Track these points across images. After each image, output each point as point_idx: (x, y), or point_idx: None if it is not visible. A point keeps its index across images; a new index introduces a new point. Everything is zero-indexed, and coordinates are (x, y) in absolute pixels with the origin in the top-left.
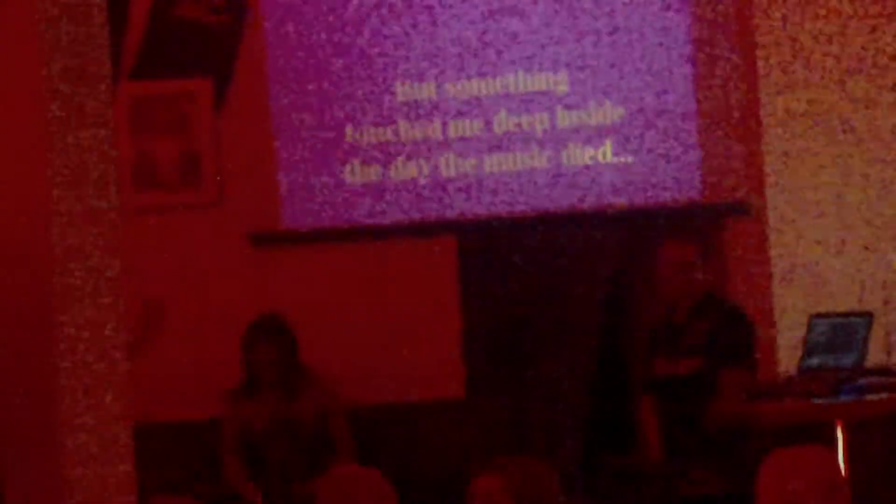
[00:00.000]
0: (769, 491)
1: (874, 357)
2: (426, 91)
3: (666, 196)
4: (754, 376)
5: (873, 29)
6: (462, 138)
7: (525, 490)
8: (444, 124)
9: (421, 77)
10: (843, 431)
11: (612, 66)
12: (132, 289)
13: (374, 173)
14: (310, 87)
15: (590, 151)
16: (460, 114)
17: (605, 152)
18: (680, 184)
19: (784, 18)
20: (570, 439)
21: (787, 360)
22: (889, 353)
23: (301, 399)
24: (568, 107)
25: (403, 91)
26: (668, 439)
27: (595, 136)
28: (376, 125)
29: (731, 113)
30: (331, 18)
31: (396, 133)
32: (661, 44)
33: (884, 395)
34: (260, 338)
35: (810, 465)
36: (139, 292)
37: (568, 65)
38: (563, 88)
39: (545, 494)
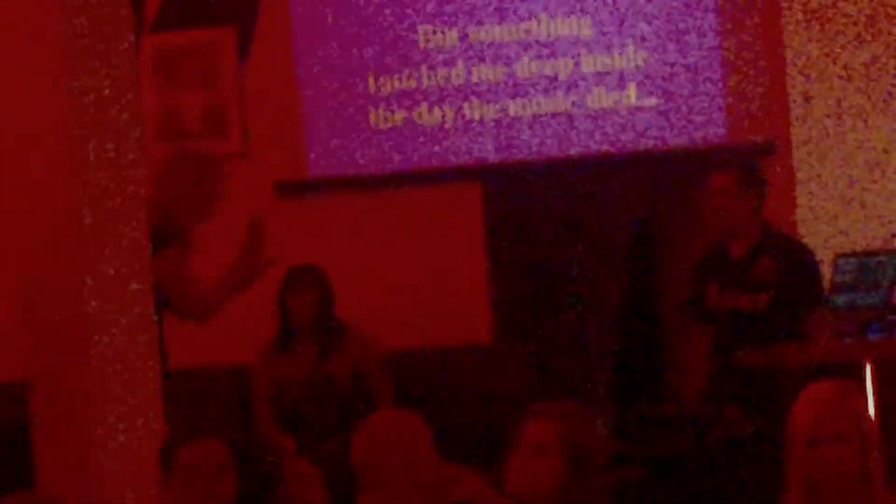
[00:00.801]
0: (800, 426)
1: None
2: (449, 37)
3: (690, 138)
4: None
5: None
6: (486, 83)
7: (575, 436)
8: (468, 70)
9: (444, 22)
10: (871, 370)
11: (636, 9)
12: None
13: (398, 119)
14: (333, 34)
15: (614, 95)
16: (483, 59)
17: (629, 96)
18: (704, 125)
19: None
20: (598, 385)
21: None
22: None
23: (337, 355)
24: (592, 51)
25: (426, 37)
26: (712, 374)
27: (619, 79)
28: (400, 71)
29: (754, 53)
30: None
31: (420, 79)
32: None
33: None
34: (298, 288)
35: (839, 399)
36: None
37: (591, 9)
38: (587, 33)
39: (592, 440)
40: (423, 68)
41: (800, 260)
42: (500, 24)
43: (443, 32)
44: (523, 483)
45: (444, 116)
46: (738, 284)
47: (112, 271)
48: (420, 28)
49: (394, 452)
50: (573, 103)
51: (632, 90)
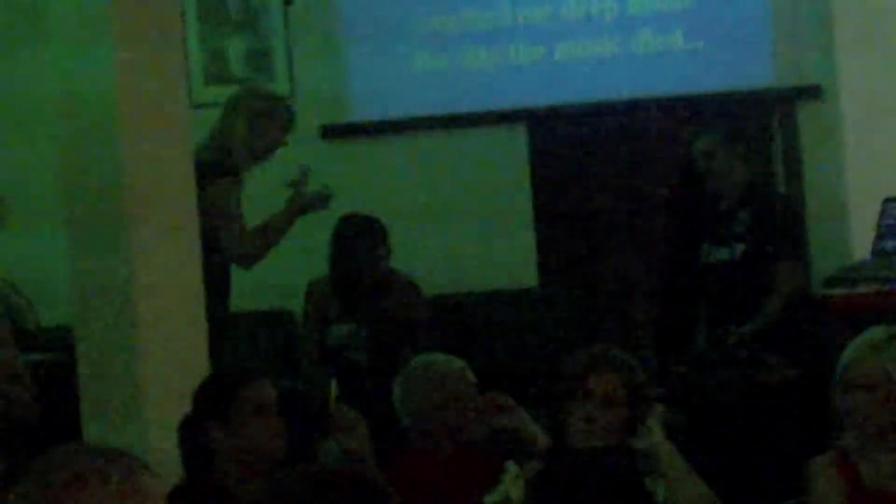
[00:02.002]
0: (839, 370)
1: None
2: None
3: (738, 82)
4: (806, 269)
5: None
6: (531, 26)
7: (636, 385)
8: (514, 12)
9: None
10: None
11: None
12: None
13: (443, 62)
14: None
15: (661, 38)
16: (529, 1)
17: (677, 39)
18: (752, 69)
19: None
20: (643, 331)
21: (861, 245)
22: None
23: (388, 304)
24: None
25: None
26: (714, 326)
27: (666, 22)
28: (445, 14)
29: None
30: None
31: (464, 22)
32: None
33: None
34: (356, 236)
35: (875, 348)
36: None
37: None
38: None
39: (648, 387)
40: (469, 10)
41: (775, 211)
42: None
43: None
44: (593, 435)
45: (489, 59)
46: (720, 237)
47: (158, 221)
48: None
49: (434, 394)
50: (618, 46)
51: (679, 34)
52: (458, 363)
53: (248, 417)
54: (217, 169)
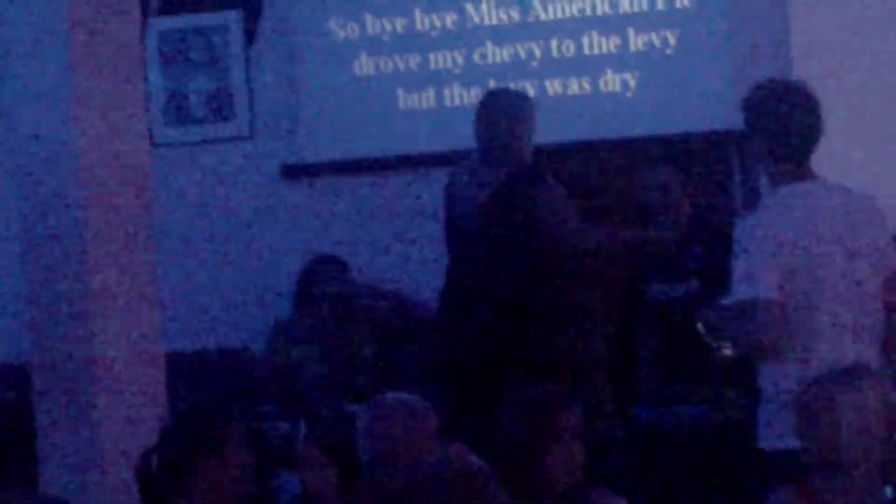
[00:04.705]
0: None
1: None
2: (449, 19)
3: (697, 123)
4: None
5: None
6: (489, 65)
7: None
8: (469, 53)
9: (442, 7)
10: None
11: None
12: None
13: (403, 103)
14: (334, 11)
15: (620, 80)
16: (484, 42)
17: (636, 80)
18: (711, 110)
19: None
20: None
21: None
22: None
23: (353, 342)
24: (598, 34)
25: (423, 20)
26: (665, 363)
27: (625, 64)
28: (403, 54)
29: (761, 33)
30: None
31: (422, 62)
32: None
33: None
34: (322, 277)
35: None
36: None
37: None
38: (591, 13)
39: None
40: (427, 52)
41: (728, 244)
42: (498, 8)
43: (441, 16)
44: (570, 467)
45: (448, 100)
46: (670, 275)
47: (117, 259)
48: (416, 11)
49: (398, 435)
50: (580, 86)
51: (638, 75)
52: (422, 404)
53: (231, 452)
54: None
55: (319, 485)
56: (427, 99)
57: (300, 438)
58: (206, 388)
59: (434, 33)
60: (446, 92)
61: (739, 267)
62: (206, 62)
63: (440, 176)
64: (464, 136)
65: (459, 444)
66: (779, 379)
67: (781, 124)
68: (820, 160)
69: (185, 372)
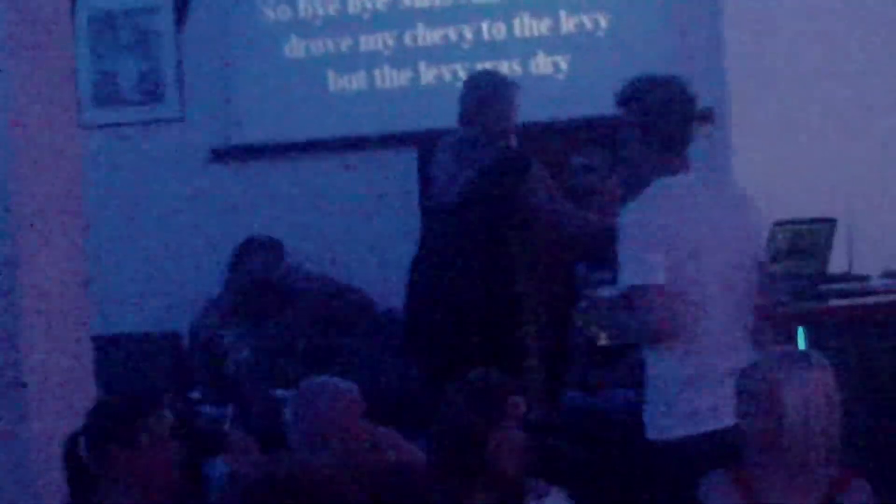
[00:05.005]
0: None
1: (836, 263)
2: (379, 2)
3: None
4: None
5: None
6: (423, 48)
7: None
8: (400, 35)
9: None
10: (804, 337)
11: None
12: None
13: (335, 86)
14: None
15: (553, 62)
16: (415, 24)
17: (568, 63)
18: None
19: None
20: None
21: None
22: (851, 260)
23: (285, 326)
24: (531, 15)
25: (354, 2)
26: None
27: (558, 46)
28: (335, 37)
29: (694, 21)
30: None
31: (352, 44)
32: None
33: (845, 301)
34: (252, 257)
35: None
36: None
37: None
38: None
39: None
40: (361, 34)
41: None
42: None
43: None
44: (512, 455)
45: (381, 83)
46: (598, 259)
47: (45, 240)
48: None
49: (325, 419)
50: (512, 69)
51: (570, 57)
52: (349, 389)
53: (147, 445)
54: None
55: (248, 470)
56: (358, 81)
57: (227, 424)
58: (137, 373)
59: (365, 15)
60: (377, 74)
61: (626, 255)
62: (136, 44)
63: (371, 158)
64: (394, 118)
65: (390, 429)
66: (665, 368)
67: (659, 118)
68: (755, 135)
69: (119, 356)
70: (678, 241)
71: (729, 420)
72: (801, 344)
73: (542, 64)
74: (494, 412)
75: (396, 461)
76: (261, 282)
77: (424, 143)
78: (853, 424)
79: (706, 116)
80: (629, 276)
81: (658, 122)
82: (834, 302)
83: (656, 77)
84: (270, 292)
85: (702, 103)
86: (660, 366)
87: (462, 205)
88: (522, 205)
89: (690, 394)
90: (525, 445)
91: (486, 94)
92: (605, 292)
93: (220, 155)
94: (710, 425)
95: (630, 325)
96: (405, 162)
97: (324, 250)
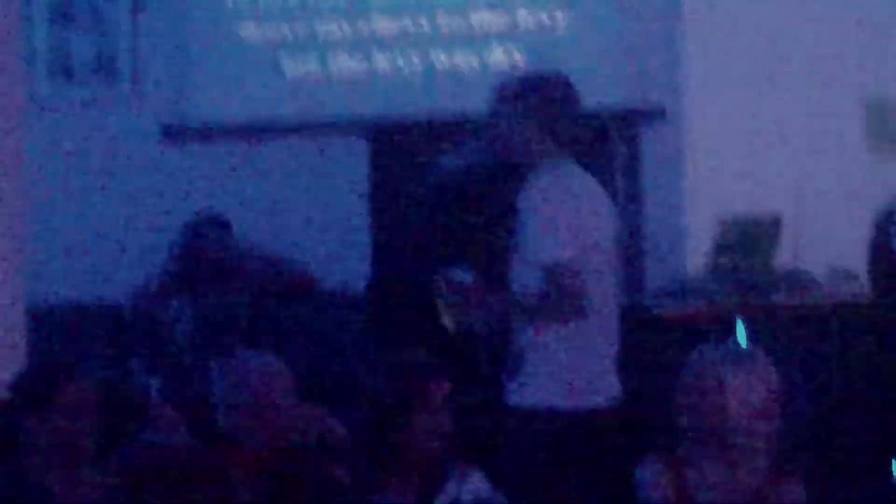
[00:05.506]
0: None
1: (782, 260)
2: None
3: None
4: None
5: None
6: (378, 37)
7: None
8: (355, 22)
9: None
10: (747, 333)
11: None
12: None
13: (290, 70)
14: None
15: (506, 55)
16: (368, 12)
17: (522, 55)
18: (598, 89)
19: None
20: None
21: (697, 262)
22: (796, 257)
23: (228, 303)
24: (486, 9)
25: None
26: None
27: (511, 39)
28: (292, 22)
29: (650, 20)
30: None
31: (308, 30)
32: None
33: (790, 297)
34: (199, 233)
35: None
36: None
37: None
38: None
39: None
40: (316, 20)
41: None
42: None
43: None
44: (435, 437)
45: (336, 69)
46: None
47: None
48: None
49: (252, 394)
50: (465, 60)
51: (524, 50)
52: (277, 364)
53: (66, 414)
54: None
55: (171, 442)
56: (312, 67)
57: (153, 396)
58: (77, 344)
59: (322, 3)
60: (331, 60)
61: (535, 233)
62: (93, 22)
63: (323, 143)
64: (347, 105)
65: (317, 405)
66: (543, 342)
67: (546, 110)
68: (707, 132)
69: (58, 327)
70: (578, 223)
71: (602, 399)
72: (743, 339)
73: (498, 58)
74: (417, 394)
75: (318, 439)
76: (206, 257)
77: (377, 130)
78: (793, 422)
79: (660, 114)
80: (545, 255)
81: (548, 114)
82: (777, 298)
83: (541, 71)
84: (215, 267)
85: (657, 99)
86: (536, 338)
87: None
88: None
89: (573, 367)
90: (448, 428)
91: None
92: (465, 276)
93: (173, 133)
94: (588, 402)
95: (518, 304)
96: (357, 148)
97: (272, 230)
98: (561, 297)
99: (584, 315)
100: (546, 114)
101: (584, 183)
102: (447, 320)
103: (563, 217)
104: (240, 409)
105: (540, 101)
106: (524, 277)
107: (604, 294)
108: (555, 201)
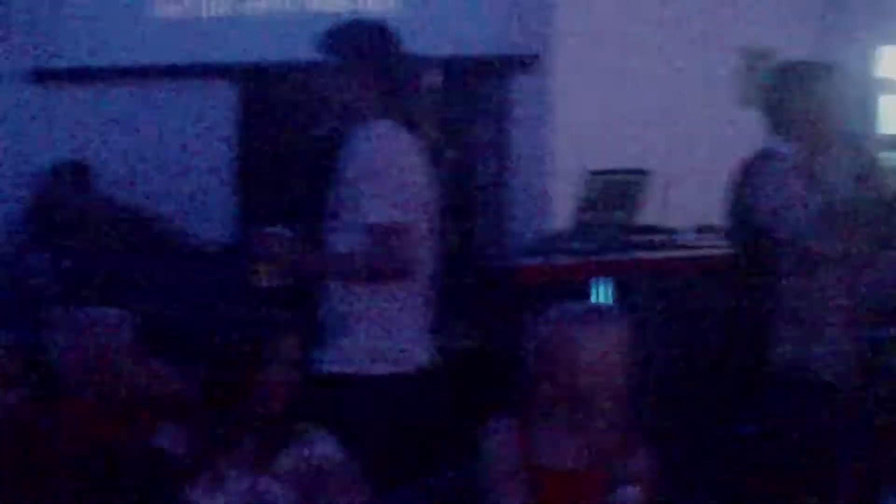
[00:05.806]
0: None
1: (649, 215)
2: None
3: (452, 48)
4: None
5: None
6: None
7: None
8: None
9: None
10: (613, 288)
11: None
12: None
13: (161, 12)
14: None
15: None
16: None
17: (394, 2)
18: (468, 36)
19: None
20: None
21: (562, 215)
22: (665, 212)
23: (84, 252)
24: None
25: None
26: None
27: None
28: None
29: None
30: None
31: None
32: None
33: (655, 253)
34: (58, 180)
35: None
36: None
37: None
38: None
39: None
40: None
41: None
42: None
43: None
44: (277, 395)
45: (208, 12)
46: None
47: None
48: None
49: (92, 347)
50: (335, 5)
51: None
52: (117, 317)
53: None
54: None
55: (9, 399)
56: (182, 9)
57: None
58: None
59: None
60: (202, 2)
61: (365, 192)
62: None
63: (191, 86)
64: (215, 48)
65: (159, 359)
66: (368, 305)
67: (370, 61)
68: (578, 84)
69: None
70: (404, 182)
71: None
72: (607, 294)
73: (371, 1)
74: (263, 351)
75: (161, 395)
76: (65, 206)
77: (245, 75)
78: (653, 379)
79: (532, 62)
80: (373, 213)
81: (373, 65)
82: (641, 254)
83: (365, 20)
84: (74, 216)
85: (530, 48)
86: (358, 299)
87: None
88: None
89: (393, 332)
90: (293, 388)
91: None
92: (284, 231)
93: (40, 76)
94: (404, 366)
95: (371, 261)
96: (224, 93)
97: (135, 177)
98: (385, 257)
99: (407, 276)
100: (366, 67)
101: (408, 140)
102: (260, 275)
103: (384, 176)
104: (76, 363)
105: (358, 52)
106: (347, 238)
107: (423, 257)
108: (377, 160)
